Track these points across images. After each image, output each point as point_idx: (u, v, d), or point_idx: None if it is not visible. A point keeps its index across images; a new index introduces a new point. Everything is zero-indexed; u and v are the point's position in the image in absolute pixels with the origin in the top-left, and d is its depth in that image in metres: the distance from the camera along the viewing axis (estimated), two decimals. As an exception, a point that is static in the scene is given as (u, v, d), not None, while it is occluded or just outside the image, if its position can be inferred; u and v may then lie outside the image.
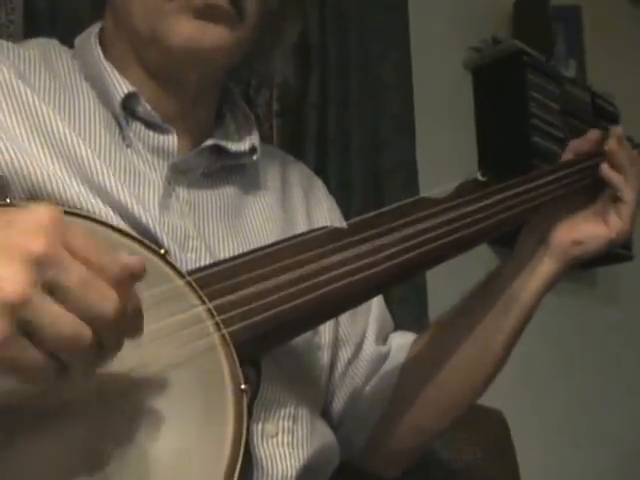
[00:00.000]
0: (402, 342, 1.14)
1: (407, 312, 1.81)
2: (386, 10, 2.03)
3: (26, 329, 0.55)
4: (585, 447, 2.61)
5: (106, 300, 0.57)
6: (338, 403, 1.09)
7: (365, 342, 1.11)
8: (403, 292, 1.81)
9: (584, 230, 1.04)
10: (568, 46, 2.75)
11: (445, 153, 2.26)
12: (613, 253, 2.64)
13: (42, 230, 0.56)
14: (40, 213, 0.57)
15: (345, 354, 1.08)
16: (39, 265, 0.55)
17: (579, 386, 2.65)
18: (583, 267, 2.72)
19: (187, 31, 0.89)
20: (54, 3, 1.42)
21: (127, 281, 0.60)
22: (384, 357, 1.13)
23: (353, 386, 1.09)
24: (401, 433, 1.10)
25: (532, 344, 2.34)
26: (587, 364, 2.70)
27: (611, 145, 1.06)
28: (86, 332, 0.56)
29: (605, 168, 1.05)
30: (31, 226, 0.56)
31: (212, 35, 0.90)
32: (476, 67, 2.57)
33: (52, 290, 0.55)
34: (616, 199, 1.04)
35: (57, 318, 0.55)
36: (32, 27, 1.40)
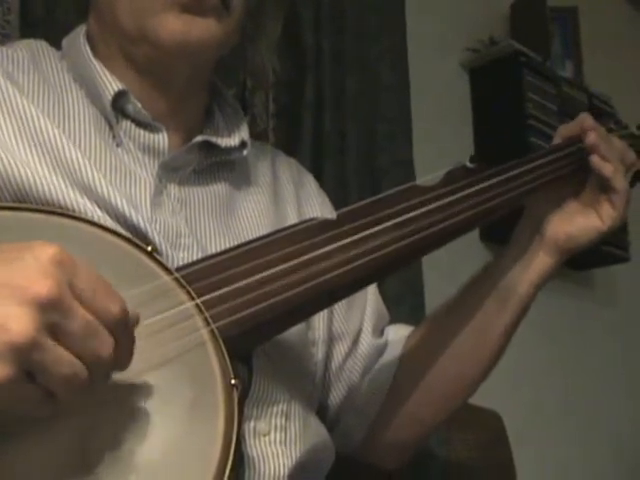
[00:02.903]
0: (399, 334, 1.15)
1: (404, 313, 1.80)
2: (383, 10, 2.03)
3: (28, 368, 0.57)
4: (582, 447, 2.61)
5: (104, 345, 0.60)
6: (336, 397, 1.09)
7: (362, 335, 1.11)
8: (400, 292, 1.80)
9: (577, 224, 1.04)
10: (565, 47, 2.76)
11: (442, 154, 2.26)
12: (610, 254, 2.64)
13: (48, 271, 0.57)
14: (45, 251, 0.58)
15: (342, 348, 1.08)
16: (45, 308, 0.56)
17: (576, 387, 2.65)
18: (580, 268, 2.73)
19: (176, 26, 0.89)
20: (51, 4, 1.42)
21: (125, 324, 0.63)
22: (381, 350, 1.13)
23: (351, 380, 1.09)
24: (400, 425, 1.11)
25: (529, 345, 2.35)
26: (584, 365, 2.70)
27: (589, 139, 1.05)
28: (83, 372, 0.59)
29: (595, 159, 1.04)
30: (37, 265, 0.57)
31: (200, 28, 0.90)
32: (473, 68, 2.57)
33: (55, 332, 0.57)
34: (608, 189, 1.03)
35: (59, 360, 0.57)
36: (28, 27, 1.39)
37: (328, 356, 1.06)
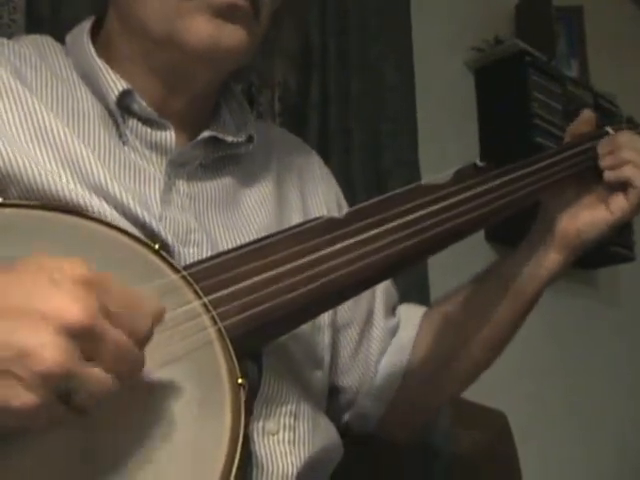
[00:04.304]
0: (411, 315, 1.16)
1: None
2: (388, 10, 2.03)
3: (61, 394, 0.57)
4: (586, 447, 2.61)
5: (137, 362, 0.62)
6: (352, 380, 1.10)
7: (375, 318, 1.12)
8: (405, 292, 1.79)
9: (584, 218, 1.03)
10: (570, 46, 2.76)
11: (447, 153, 2.26)
12: (615, 254, 2.64)
13: (80, 296, 0.57)
14: (74, 272, 0.58)
15: (353, 333, 1.09)
16: (78, 336, 0.56)
17: (580, 386, 2.65)
18: (585, 268, 2.72)
19: (206, 31, 0.88)
20: (56, 3, 1.42)
21: (151, 334, 0.63)
22: (394, 330, 1.14)
23: (367, 363, 1.11)
24: (415, 404, 1.12)
25: (534, 344, 2.35)
26: (588, 364, 2.70)
27: (602, 149, 1.05)
28: (115, 387, 0.60)
29: (608, 175, 1.03)
30: (67, 289, 0.57)
31: (231, 35, 0.89)
32: (478, 67, 2.57)
33: (88, 356, 0.57)
34: (627, 185, 1.02)
35: (93, 384, 0.58)
36: (34, 26, 1.40)
37: (337, 342, 1.06)
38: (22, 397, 0.55)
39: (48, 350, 0.55)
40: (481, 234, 2.39)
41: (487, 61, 2.56)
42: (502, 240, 2.34)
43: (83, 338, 0.57)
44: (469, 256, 1.97)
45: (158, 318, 0.64)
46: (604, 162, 1.04)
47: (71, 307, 0.56)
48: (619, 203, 1.02)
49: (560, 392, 2.58)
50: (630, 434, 2.80)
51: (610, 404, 2.73)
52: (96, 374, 0.58)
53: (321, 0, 1.89)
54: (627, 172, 1.02)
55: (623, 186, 1.02)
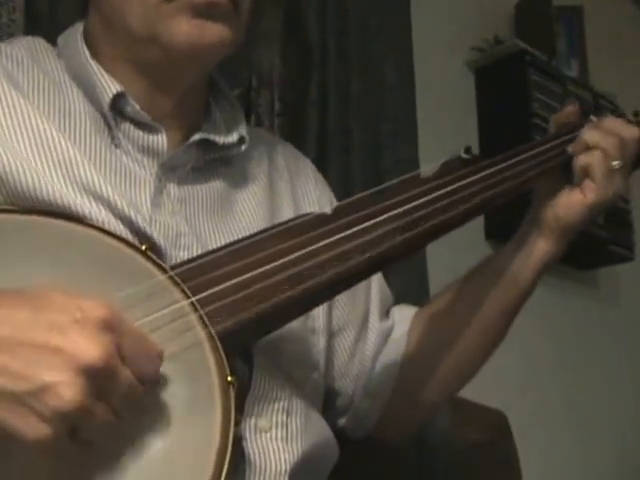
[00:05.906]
0: (404, 314, 1.17)
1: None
2: (388, 10, 2.03)
3: (73, 427, 0.61)
4: (585, 447, 2.61)
5: (139, 401, 0.66)
6: (349, 383, 1.10)
7: (370, 320, 1.12)
8: (404, 291, 1.79)
9: (560, 203, 1.03)
10: (570, 46, 2.75)
11: (447, 153, 2.26)
12: (615, 254, 2.64)
13: (98, 338, 0.61)
14: (95, 314, 0.62)
15: (349, 336, 1.09)
16: (95, 375, 0.60)
17: (580, 386, 2.65)
18: (585, 268, 2.72)
19: (188, 31, 0.89)
20: (55, 2, 1.42)
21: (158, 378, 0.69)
22: (388, 332, 1.14)
23: (362, 365, 1.11)
24: (412, 400, 1.13)
25: (534, 344, 2.35)
26: (588, 364, 2.70)
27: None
28: (115, 421, 0.64)
29: (573, 162, 1.04)
30: (87, 331, 0.61)
31: (212, 33, 0.90)
32: (478, 67, 2.57)
33: (101, 393, 0.61)
34: (587, 171, 1.03)
35: (99, 420, 0.62)
36: (33, 26, 1.40)
37: (332, 346, 1.07)
38: (37, 429, 0.59)
39: (67, 389, 0.59)
40: (481, 233, 2.39)
41: (487, 61, 2.56)
42: (501, 238, 2.32)
43: (98, 378, 0.60)
44: (469, 255, 1.96)
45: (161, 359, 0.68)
46: (570, 148, 1.05)
47: (91, 349, 0.60)
48: (588, 185, 1.02)
49: (560, 391, 2.58)
50: (630, 434, 2.80)
51: (610, 404, 2.73)
52: (104, 412, 0.62)
53: (321, 0, 1.90)
54: (582, 161, 1.02)
55: (586, 172, 1.03)
